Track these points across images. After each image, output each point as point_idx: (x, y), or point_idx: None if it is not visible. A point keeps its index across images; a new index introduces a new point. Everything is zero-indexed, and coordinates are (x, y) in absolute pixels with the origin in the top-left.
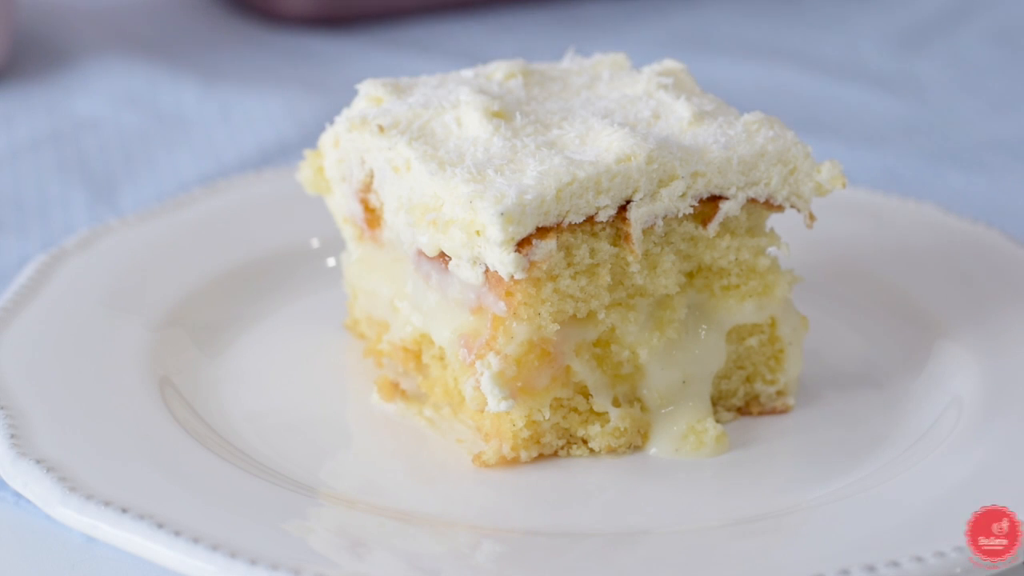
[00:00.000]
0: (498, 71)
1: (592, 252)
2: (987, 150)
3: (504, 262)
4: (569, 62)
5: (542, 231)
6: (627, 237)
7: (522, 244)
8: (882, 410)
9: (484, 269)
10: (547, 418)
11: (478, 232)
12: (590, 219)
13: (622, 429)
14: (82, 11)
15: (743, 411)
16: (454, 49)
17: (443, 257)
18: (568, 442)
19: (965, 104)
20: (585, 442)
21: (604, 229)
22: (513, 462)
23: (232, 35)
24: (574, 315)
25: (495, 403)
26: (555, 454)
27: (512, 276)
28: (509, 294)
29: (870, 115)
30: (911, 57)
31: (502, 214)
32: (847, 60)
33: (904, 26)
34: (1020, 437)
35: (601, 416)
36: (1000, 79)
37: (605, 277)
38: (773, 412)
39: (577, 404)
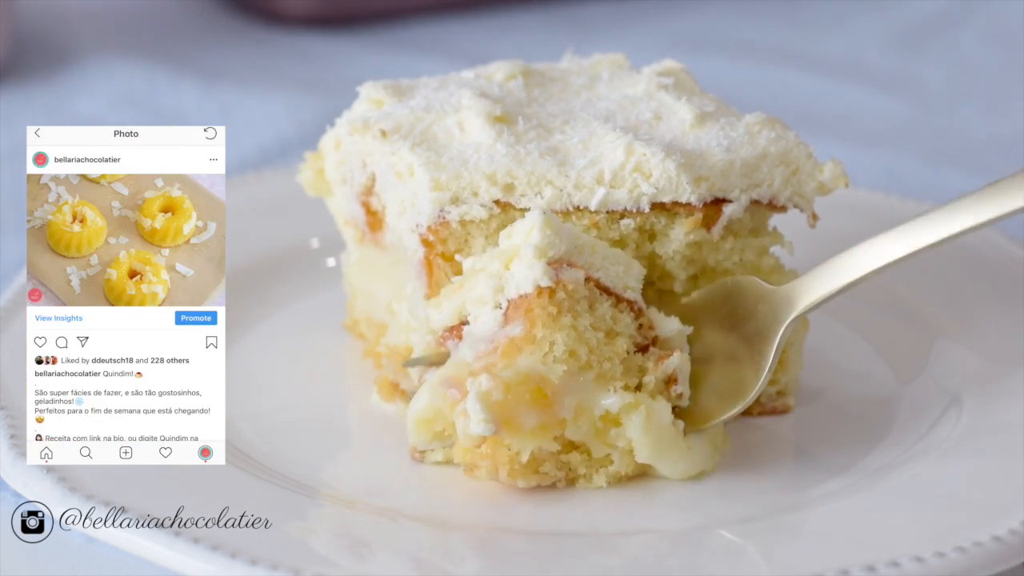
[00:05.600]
0: (498, 72)
1: (615, 319)
2: (987, 150)
3: (534, 267)
4: (568, 62)
5: (573, 264)
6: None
7: (552, 264)
8: (882, 410)
9: (505, 308)
10: (536, 456)
11: (507, 266)
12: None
13: (623, 475)
14: (82, 11)
15: (743, 411)
16: (454, 49)
17: (456, 331)
18: (568, 475)
19: (965, 104)
20: (586, 478)
21: (629, 308)
22: (508, 486)
23: (232, 35)
24: (585, 367)
25: (475, 423)
26: (554, 486)
27: (538, 286)
28: (529, 310)
29: (870, 115)
30: (911, 57)
31: (544, 213)
32: (847, 60)
33: (904, 26)
34: (1020, 437)
35: (604, 460)
36: (1000, 79)
37: (622, 347)
38: (773, 412)
39: (572, 459)
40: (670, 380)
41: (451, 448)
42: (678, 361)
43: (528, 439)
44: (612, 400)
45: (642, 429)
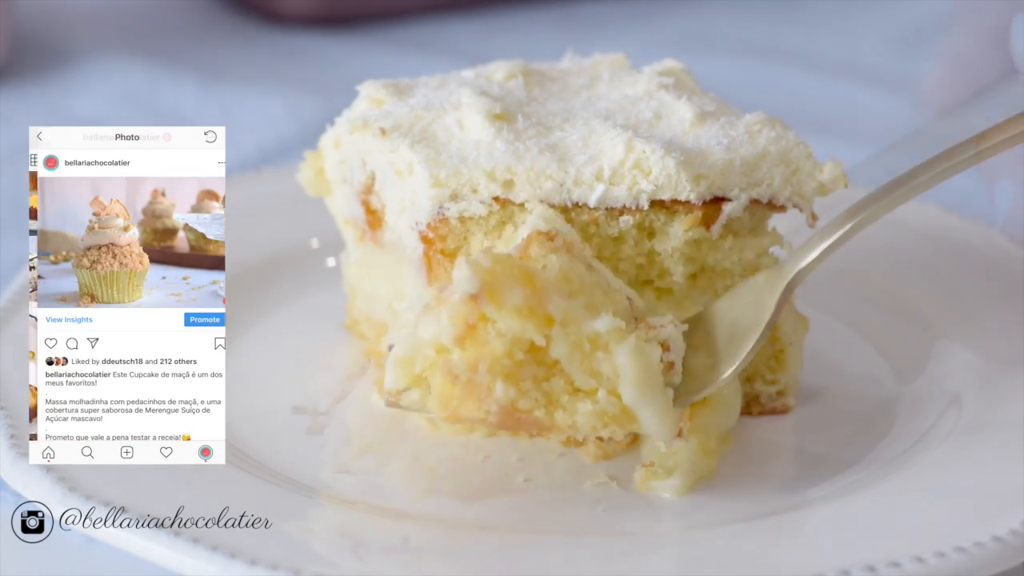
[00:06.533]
0: (498, 71)
1: (610, 289)
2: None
3: (536, 222)
4: (568, 62)
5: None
6: None
7: None
8: (882, 410)
9: None
10: (518, 358)
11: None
12: None
13: (610, 414)
14: (82, 11)
15: (743, 411)
16: (454, 49)
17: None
18: (548, 407)
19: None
20: (567, 411)
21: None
22: (481, 413)
23: (232, 35)
24: (577, 292)
25: (461, 280)
26: (533, 417)
27: (536, 230)
28: (525, 241)
29: (870, 115)
30: (911, 57)
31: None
32: (847, 60)
33: (904, 26)
34: (1020, 437)
35: (591, 394)
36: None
37: (618, 300)
38: (773, 412)
39: (553, 386)
40: (663, 347)
41: (428, 393)
42: (672, 332)
43: (512, 316)
44: (603, 321)
45: (631, 355)
